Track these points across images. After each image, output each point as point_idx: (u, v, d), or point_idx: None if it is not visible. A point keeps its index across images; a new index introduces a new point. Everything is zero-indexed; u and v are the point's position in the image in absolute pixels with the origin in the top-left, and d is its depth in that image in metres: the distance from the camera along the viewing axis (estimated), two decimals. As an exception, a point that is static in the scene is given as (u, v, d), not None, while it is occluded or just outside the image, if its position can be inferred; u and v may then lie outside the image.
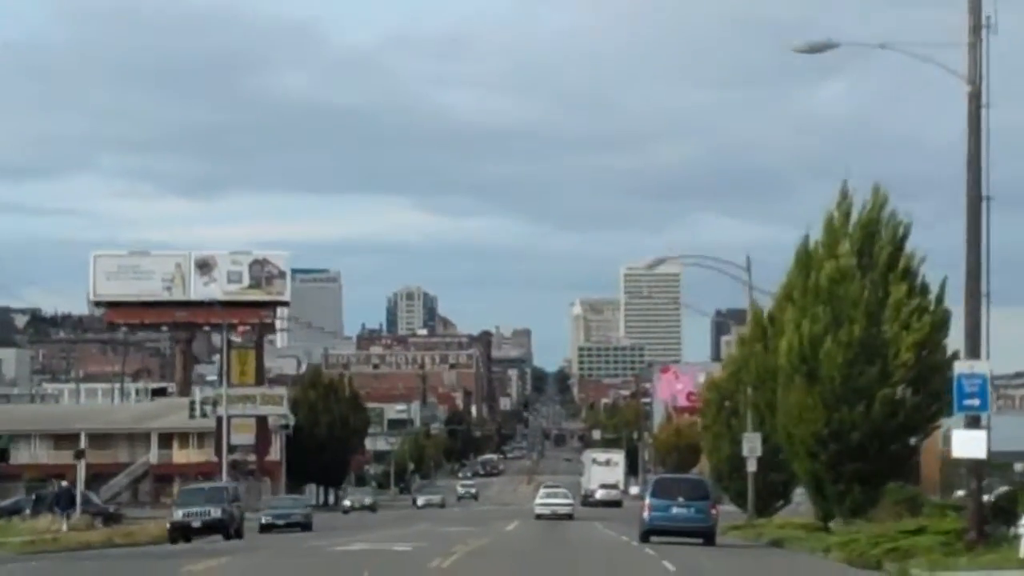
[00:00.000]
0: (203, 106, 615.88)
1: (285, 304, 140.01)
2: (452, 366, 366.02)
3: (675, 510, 45.31)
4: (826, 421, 44.11)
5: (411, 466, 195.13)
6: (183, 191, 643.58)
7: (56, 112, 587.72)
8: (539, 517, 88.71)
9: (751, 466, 60.80)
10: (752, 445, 60.50)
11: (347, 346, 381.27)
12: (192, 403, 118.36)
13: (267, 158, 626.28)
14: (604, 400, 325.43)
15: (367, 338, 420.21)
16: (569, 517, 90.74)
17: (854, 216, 45.74)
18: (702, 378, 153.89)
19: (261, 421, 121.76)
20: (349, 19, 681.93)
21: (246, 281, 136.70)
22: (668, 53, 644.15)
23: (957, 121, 32.04)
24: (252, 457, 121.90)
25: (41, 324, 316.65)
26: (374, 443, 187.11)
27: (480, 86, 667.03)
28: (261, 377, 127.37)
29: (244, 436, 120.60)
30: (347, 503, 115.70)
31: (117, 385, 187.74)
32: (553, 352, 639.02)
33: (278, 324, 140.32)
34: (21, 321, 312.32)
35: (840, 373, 43.90)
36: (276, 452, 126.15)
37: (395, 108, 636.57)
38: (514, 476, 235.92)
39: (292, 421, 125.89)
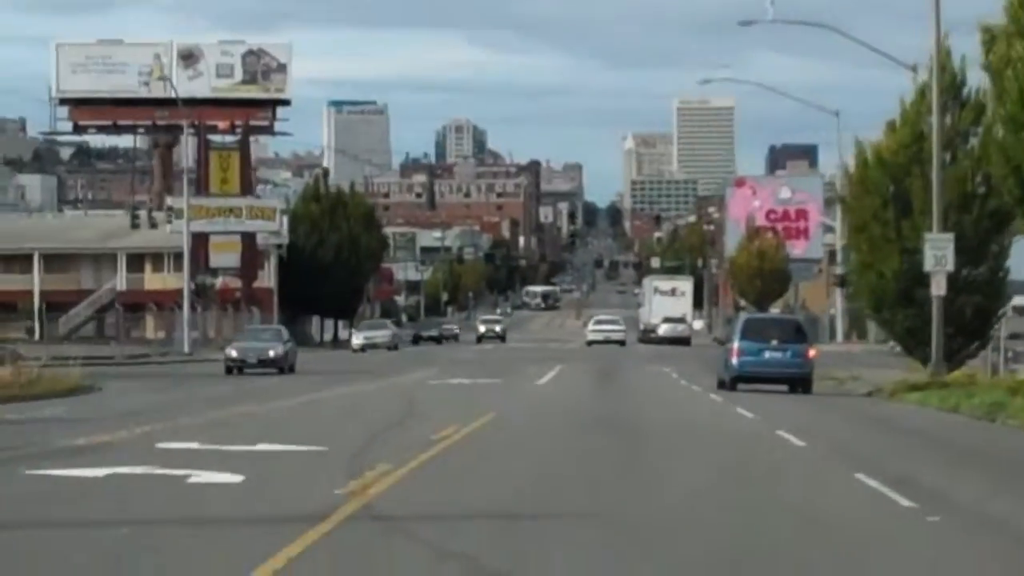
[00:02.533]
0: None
1: (286, 103, 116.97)
2: (499, 195, 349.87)
3: (768, 354, 40.22)
4: None
5: (444, 297, 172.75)
6: (235, 26, 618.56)
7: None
8: (591, 343, 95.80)
9: (937, 288, 37.17)
10: (940, 254, 36.86)
11: (393, 177, 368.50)
12: (134, 211, 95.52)
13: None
14: (658, 234, 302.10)
15: (411, 167, 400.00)
16: (622, 344, 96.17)
17: None
18: (785, 193, 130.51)
19: (248, 239, 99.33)
20: None
21: (238, 76, 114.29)
22: None
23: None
24: (237, 283, 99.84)
25: (85, 156, 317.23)
26: (405, 272, 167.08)
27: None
28: (248, 187, 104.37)
29: (227, 257, 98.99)
30: (232, 353, 60.03)
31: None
32: (605, 187, 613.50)
33: (277, 127, 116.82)
34: (67, 153, 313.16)
35: None
36: (268, 277, 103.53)
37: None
38: (561, 311, 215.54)
39: (287, 240, 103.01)
